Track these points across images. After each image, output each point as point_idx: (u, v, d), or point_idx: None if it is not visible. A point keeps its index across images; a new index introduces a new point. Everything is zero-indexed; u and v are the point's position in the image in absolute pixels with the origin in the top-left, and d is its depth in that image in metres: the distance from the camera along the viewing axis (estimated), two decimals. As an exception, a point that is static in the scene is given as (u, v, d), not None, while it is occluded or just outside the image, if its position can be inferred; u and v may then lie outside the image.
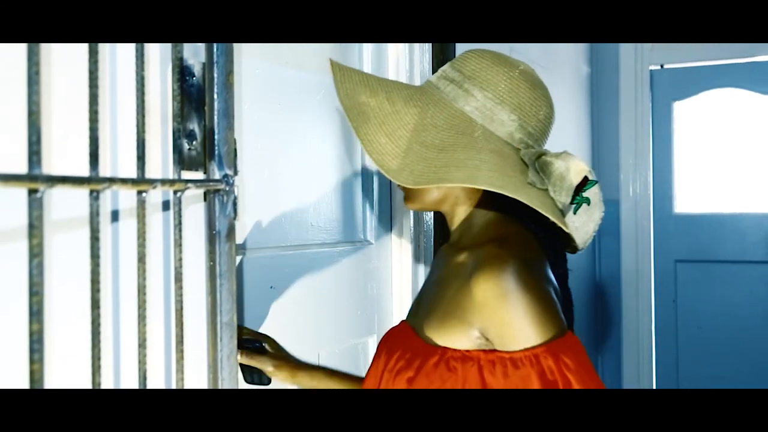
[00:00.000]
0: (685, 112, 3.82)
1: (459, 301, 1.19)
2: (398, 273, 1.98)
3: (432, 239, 2.02)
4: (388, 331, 1.38)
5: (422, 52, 1.94)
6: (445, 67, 1.30)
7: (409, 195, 1.32)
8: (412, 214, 1.98)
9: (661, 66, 3.83)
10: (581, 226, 1.30)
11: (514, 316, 1.13)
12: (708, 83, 3.76)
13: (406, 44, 1.91)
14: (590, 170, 1.22)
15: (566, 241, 1.34)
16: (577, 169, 1.20)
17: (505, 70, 1.25)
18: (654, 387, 3.85)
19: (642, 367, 3.84)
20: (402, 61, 1.91)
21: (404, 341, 1.28)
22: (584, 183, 1.24)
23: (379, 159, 1.19)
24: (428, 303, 1.29)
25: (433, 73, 1.97)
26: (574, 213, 1.27)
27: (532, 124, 1.24)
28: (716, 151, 3.78)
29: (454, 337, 1.19)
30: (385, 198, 1.96)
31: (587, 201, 1.26)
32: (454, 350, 1.18)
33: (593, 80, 3.86)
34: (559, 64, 3.38)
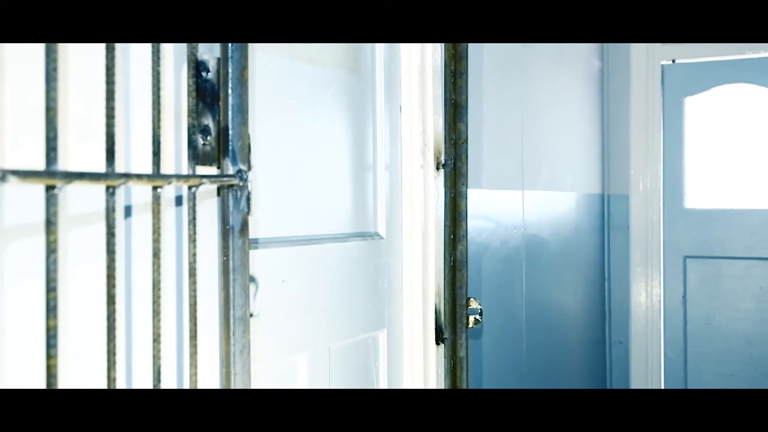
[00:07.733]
0: (696, 107, 3.81)
1: None
2: (408, 267, 1.98)
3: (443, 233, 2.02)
4: None
5: (434, 47, 1.94)
6: None
7: None
8: (422, 208, 1.97)
9: (673, 61, 3.81)
10: None
11: None
12: (720, 79, 3.74)
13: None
14: None
15: None
16: None
17: None
18: (662, 383, 3.85)
19: (650, 363, 3.84)
20: (415, 55, 1.90)
21: None
22: None
23: None
24: None
25: (445, 69, 1.96)
26: None
27: None
28: (728, 147, 3.76)
29: None
30: (396, 192, 1.96)
31: None
32: None
33: (604, 75, 3.84)
34: (571, 59, 3.36)
